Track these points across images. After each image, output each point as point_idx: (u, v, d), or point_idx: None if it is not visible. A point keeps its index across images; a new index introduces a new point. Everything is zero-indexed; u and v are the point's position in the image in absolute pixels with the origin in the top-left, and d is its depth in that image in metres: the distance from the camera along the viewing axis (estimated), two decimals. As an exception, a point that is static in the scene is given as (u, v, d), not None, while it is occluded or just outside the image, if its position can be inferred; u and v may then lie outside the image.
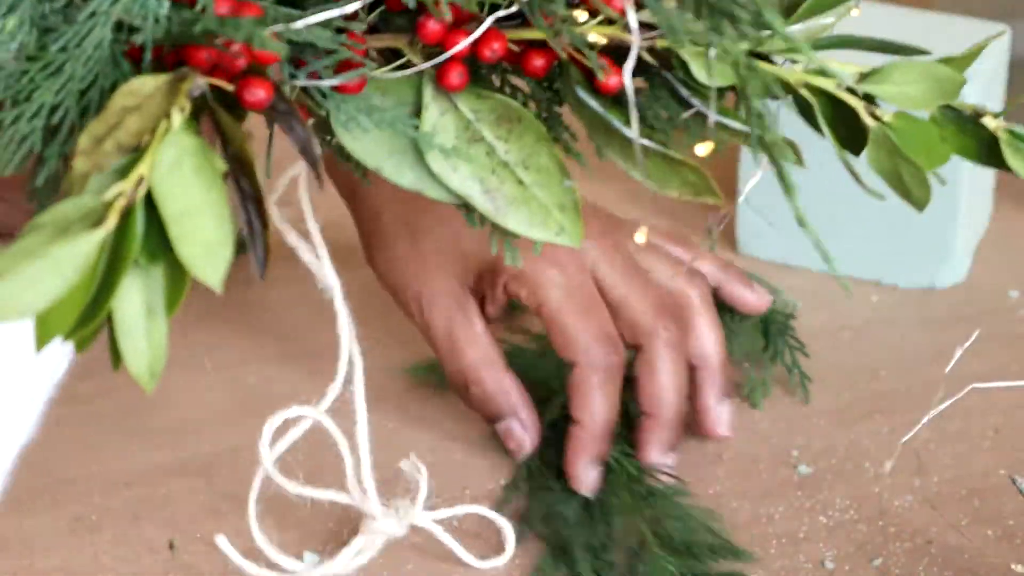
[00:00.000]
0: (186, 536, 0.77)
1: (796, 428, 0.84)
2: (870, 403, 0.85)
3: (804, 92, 0.58)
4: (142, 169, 0.49)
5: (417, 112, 0.58)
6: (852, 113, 0.59)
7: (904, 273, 0.94)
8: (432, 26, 0.57)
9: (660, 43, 0.58)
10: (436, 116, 0.58)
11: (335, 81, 0.55)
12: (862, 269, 0.94)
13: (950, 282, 0.93)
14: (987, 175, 0.98)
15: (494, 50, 0.57)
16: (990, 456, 0.82)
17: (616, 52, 0.58)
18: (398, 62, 0.58)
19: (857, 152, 0.59)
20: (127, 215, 0.49)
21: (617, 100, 0.58)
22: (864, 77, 0.59)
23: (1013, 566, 0.75)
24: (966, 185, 0.92)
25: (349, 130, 0.57)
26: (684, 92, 0.59)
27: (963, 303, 0.92)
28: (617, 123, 0.58)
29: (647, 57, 0.59)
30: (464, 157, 0.58)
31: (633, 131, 0.57)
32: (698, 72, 0.58)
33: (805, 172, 0.88)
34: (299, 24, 0.53)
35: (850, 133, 0.59)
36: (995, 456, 0.82)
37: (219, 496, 0.79)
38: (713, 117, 0.58)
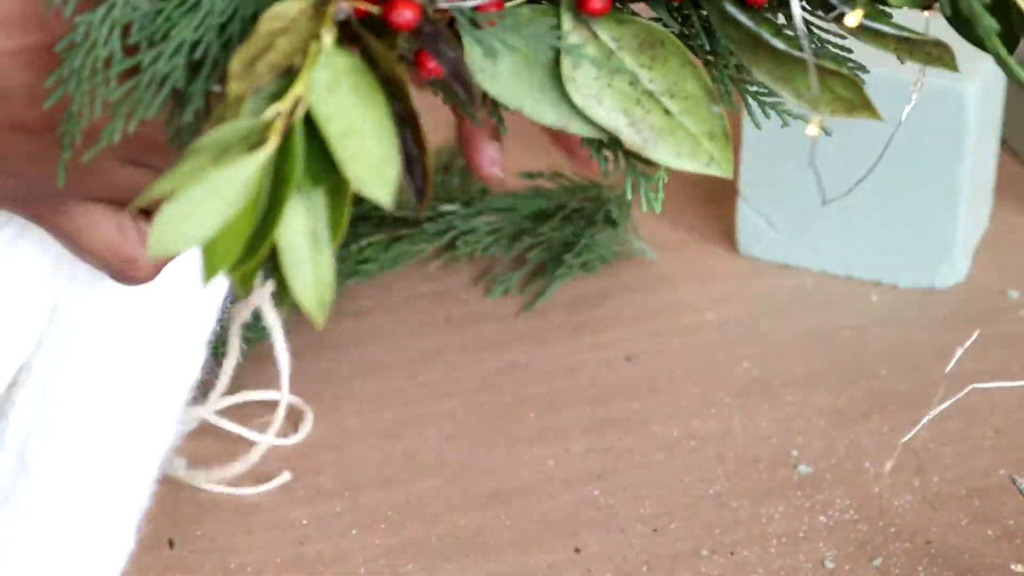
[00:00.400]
0: (186, 535, 0.77)
1: (796, 428, 0.84)
2: (870, 403, 0.85)
3: None
4: (298, 90, 0.47)
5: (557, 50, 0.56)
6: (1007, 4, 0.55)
7: (904, 273, 0.93)
8: None
9: None
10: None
11: (476, 1, 0.53)
12: (862, 269, 0.94)
13: (950, 282, 0.93)
14: (988, 175, 0.98)
15: None
16: (990, 456, 0.82)
17: None
18: None
19: (1013, 47, 0.55)
20: (287, 136, 0.47)
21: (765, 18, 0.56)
22: None
23: (1013, 566, 0.75)
24: (966, 185, 0.92)
25: (492, 56, 0.54)
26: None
27: (963, 303, 0.92)
28: (767, 35, 0.55)
29: None
30: (611, 69, 0.55)
31: (798, 25, 0.53)
32: None
33: (805, 172, 0.89)
34: None
35: (1004, 25, 0.54)
36: (995, 456, 0.82)
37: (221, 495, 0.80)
38: (867, 22, 0.55)
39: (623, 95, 0.56)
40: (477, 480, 0.81)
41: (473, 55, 0.54)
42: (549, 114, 0.56)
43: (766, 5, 0.55)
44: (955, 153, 0.91)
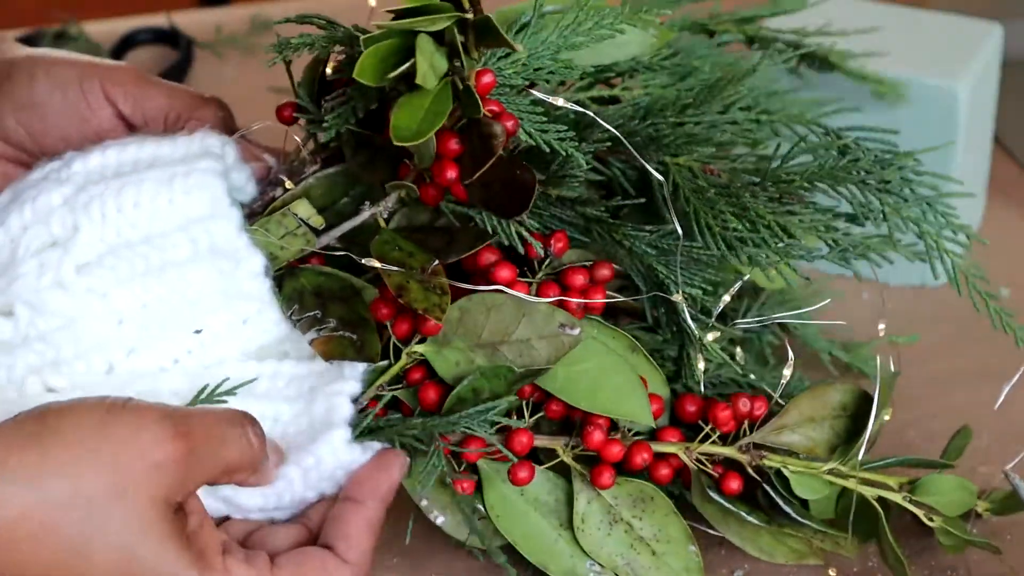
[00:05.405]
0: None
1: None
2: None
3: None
4: None
5: (568, 499, 0.72)
6: None
7: (896, 271, 0.93)
8: (597, 437, 0.71)
9: (765, 462, 0.73)
10: (584, 505, 0.72)
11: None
12: (855, 267, 0.93)
13: (942, 280, 0.93)
14: (980, 174, 0.98)
15: (644, 459, 0.72)
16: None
17: (731, 463, 0.74)
18: (554, 462, 0.72)
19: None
20: None
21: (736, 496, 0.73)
22: None
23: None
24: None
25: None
26: (780, 501, 0.73)
27: (954, 301, 0.92)
28: (736, 510, 0.72)
29: (752, 473, 0.73)
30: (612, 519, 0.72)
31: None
32: (795, 486, 0.73)
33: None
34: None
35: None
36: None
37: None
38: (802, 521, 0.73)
39: (620, 542, 0.71)
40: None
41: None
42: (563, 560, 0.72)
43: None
44: (946, 150, 0.90)
